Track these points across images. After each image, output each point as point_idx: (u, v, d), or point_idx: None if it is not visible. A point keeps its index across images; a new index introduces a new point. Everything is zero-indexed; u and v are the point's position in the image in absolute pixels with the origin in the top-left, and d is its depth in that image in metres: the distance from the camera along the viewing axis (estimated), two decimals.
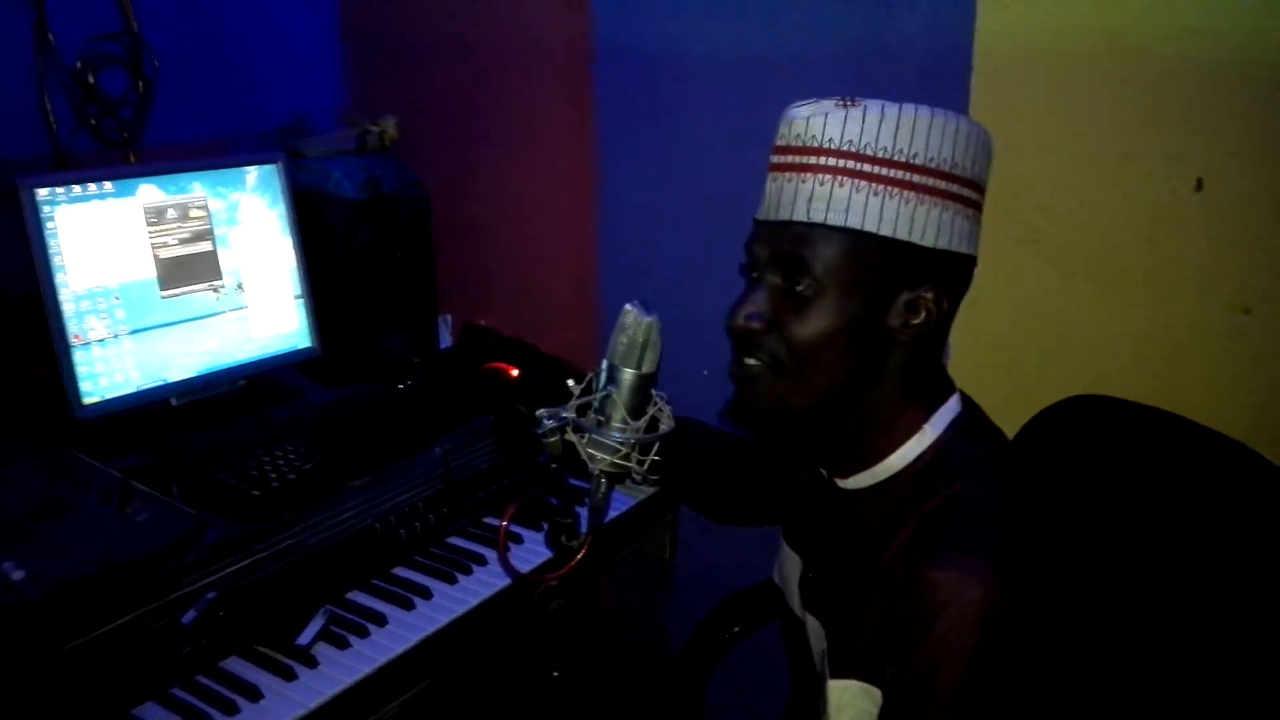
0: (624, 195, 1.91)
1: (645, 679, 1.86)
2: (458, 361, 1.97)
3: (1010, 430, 1.25)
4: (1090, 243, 1.41)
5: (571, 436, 1.01)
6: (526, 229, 2.07)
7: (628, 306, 0.99)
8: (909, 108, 0.91)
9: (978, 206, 0.96)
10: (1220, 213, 1.31)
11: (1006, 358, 1.50)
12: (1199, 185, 1.32)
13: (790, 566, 1.15)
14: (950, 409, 1.00)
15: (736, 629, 1.52)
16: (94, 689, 1.18)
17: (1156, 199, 1.35)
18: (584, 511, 1.04)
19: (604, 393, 1.00)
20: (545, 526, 1.07)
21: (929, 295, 0.93)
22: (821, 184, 0.92)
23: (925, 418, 0.98)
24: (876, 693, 0.94)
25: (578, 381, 1.02)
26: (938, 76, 1.47)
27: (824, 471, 1.06)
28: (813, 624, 1.07)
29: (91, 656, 1.18)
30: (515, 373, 1.73)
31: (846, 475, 1.03)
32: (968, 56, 1.45)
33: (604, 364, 1.00)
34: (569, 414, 1.00)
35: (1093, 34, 1.35)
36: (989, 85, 1.44)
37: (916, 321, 0.94)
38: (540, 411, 1.01)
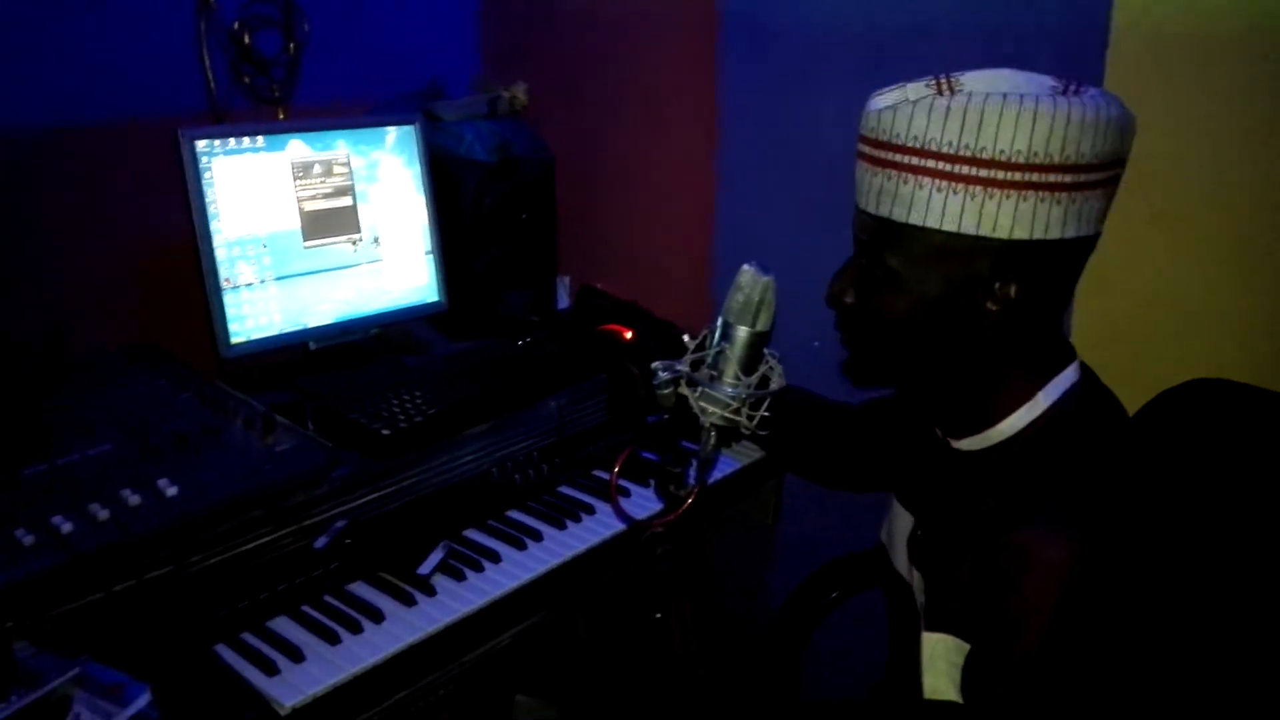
0: (743, 168, 1.93)
1: (745, 641, 1.90)
2: (574, 322, 2.03)
3: (1130, 411, 1.24)
4: (1221, 224, 1.38)
5: (685, 390, 1.05)
6: (646, 197, 2.11)
7: (745, 266, 1.03)
8: (979, 99, 0.88)
9: (1078, 187, 0.91)
10: None
11: (1131, 338, 1.48)
12: None
13: (900, 525, 1.17)
14: (1067, 378, 1.00)
15: (835, 594, 1.55)
16: (234, 600, 1.28)
17: None
18: (692, 466, 1.08)
19: (718, 348, 1.04)
20: (653, 482, 1.12)
21: (1010, 284, 0.93)
22: (890, 180, 0.93)
23: (1039, 385, 0.99)
24: (965, 647, 0.96)
25: (692, 337, 1.07)
26: (1073, 53, 1.45)
27: (938, 432, 1.08)
28: (917, 580, 1.09)
29: (233, 571, 1.28)
30: (629, 335, 1.77)
31: (960, 437, 1.04)
32: (1104, 33, 1.42)
33: (719, 321, 1.04)
34: (683, 367, 1.05)
35: (1231, 12, 1.31)
36: (1124, 62, 1.41)
37: (996, 309, 0.94)
38: (655, 364, 1.05)
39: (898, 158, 0.92)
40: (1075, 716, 0.90)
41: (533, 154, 2.00)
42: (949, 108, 0.89)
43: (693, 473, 1.09)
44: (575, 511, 1.55)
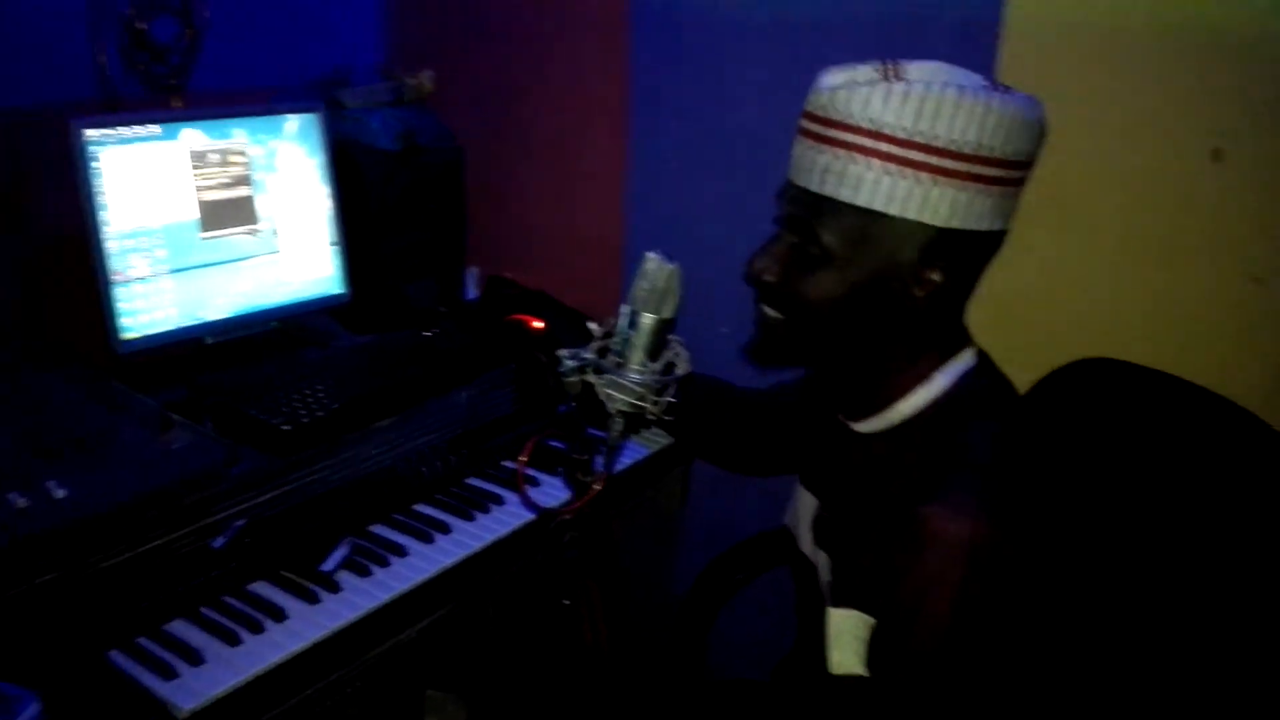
0: (653, 155, 1.94)
1: (653, 625, 1.91)
2: (483, 312, 2.01)
3: (1021, 389, 1.28)
4: (1108, 209, 1.44)
5: (591, 377, 1.05)
6: (555, 185, 2.10)
7: (650, 254, 1.03)
8: (936, 88, 0.90)
9: (1008, 182, 0.94)
10: (1237, 184, 1.33)
11: (1022, 318, 1.52)
12: (1217, 156, 1.34)
13: (804, 508, 1.18)
14: (964, 361, 1.03)
15: (740, 576, 1.57)
16: (129, 605, 1.23)
17: (1175, 168, 1.37)
18: (600, 453, 1.08)
19: (624, 336, 1.04)
20: (561, 470, 1.12)
21: (936, 271, 0.95)
22: (837, 158, 0.93)
23: (936, 367, 1.02)
24: (870, 621, 0.98)
25: (600, 325, 1.07)
26: (967, 41, 1.49)
27: (840, 416, 1.10)
28: (822, 560, 1.11)
29: (127, 575, 1.24)
30: (539, 324, 1.77)
31: (860, 420, 1.06)
32: (997, 23, 1.46)
33: (625, 309, 1.04)
34: (589, 355, 1.05)
35: (1119, 5, 1.36)
36: (1017, 51, 1.46)
37: (921, 294, 0.96)
38: (561, 351, 1.05)
39: (848, 137, 0.93)
40: (980, 687, 0.92)
41: (439, 142, 1.98)
42: (906, 93, 0.90)
43: (600, 460, 1.09)
44: (483, 503, 1.54)
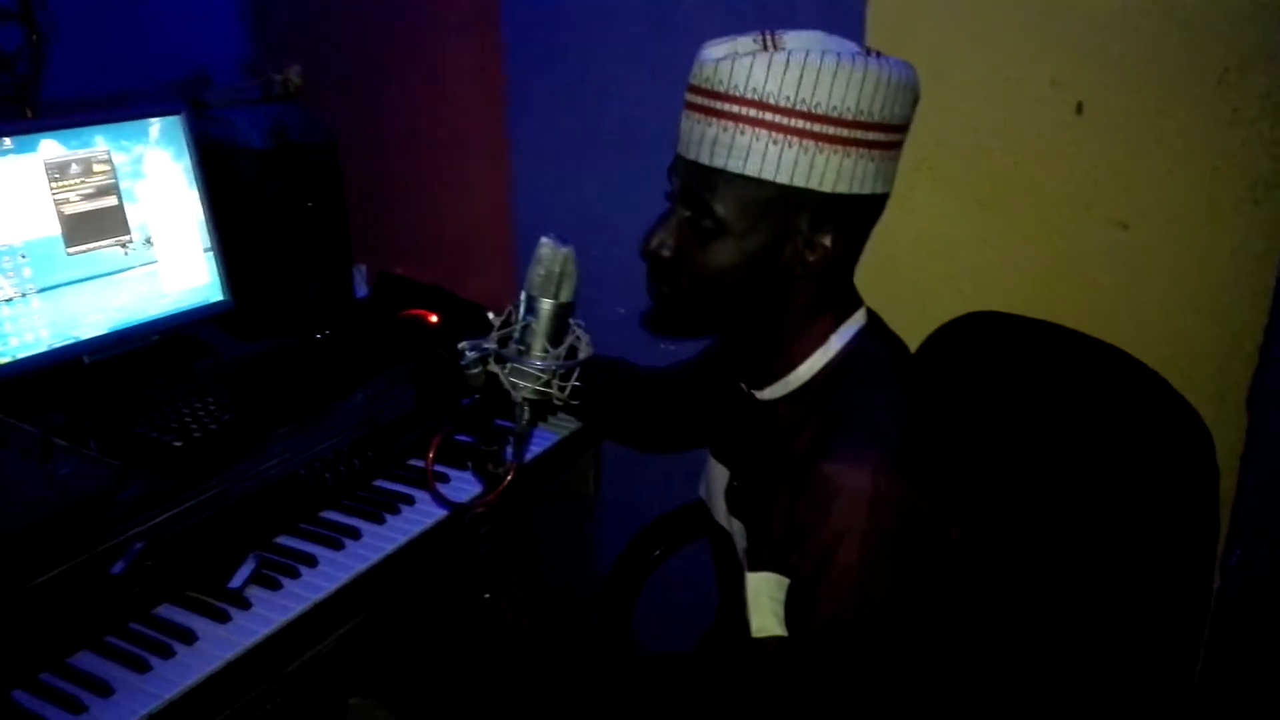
0: (536, 138, 1.92)
1: (575, 607, 1.92)
2: (375, 310, 1.98)
3: (911, 348, 1.32)
4: (979, 167, 1.49)
5: (494, 367, 1.04)
6: (438, 177, 2.07)
7: (543, 239, 1.03)
8: (815, 56, 0.92)
9: (888, 146, 0.98)
10: (1099, 135, 1.39)
11: (906, 279, 1.57)
12: (1079, 109, 1.40)
13: (717, 480, 1.20)
14: (856, 322, 1.06)
15: (659, 551, 1.59)
16: (28, 641, 1.18)
17: (1040, 123, 1.42)
18: (509, 443, 1.08)
19: (523, 323, 1.03)
20: (470, 464, 1.11)
21: (826, 236, 0.98)
22: (725, 130, 0.95)
23: (832, 329, 1.04)
24: (785, 581, 1.00)
25: (497, 315, 1.06)
26: (836, 5, 1.52)
27: (743, 385, 1.12)
28: (738, 528, 1.13)
29: (23, 609, 1.18)
30: (434, 319, 1.75)
31: (762, 387, 1.08)
32: None
33: (522, 295, 1.04)
34: (490, 345, 1.04)
35: None
36: (883, 15, 1.49)
37: (814, 259, 0.99)
38: (462, 344, 1.04)
39: (733, 109, 0.94)
40: (892, 632, 0.96)
41: (311, 138, 1.91)
42: (787, 62, 0.92)
43: (510, 450, 1.08)
44: (393, 504, 1.52)
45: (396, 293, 2.02)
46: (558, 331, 1.04)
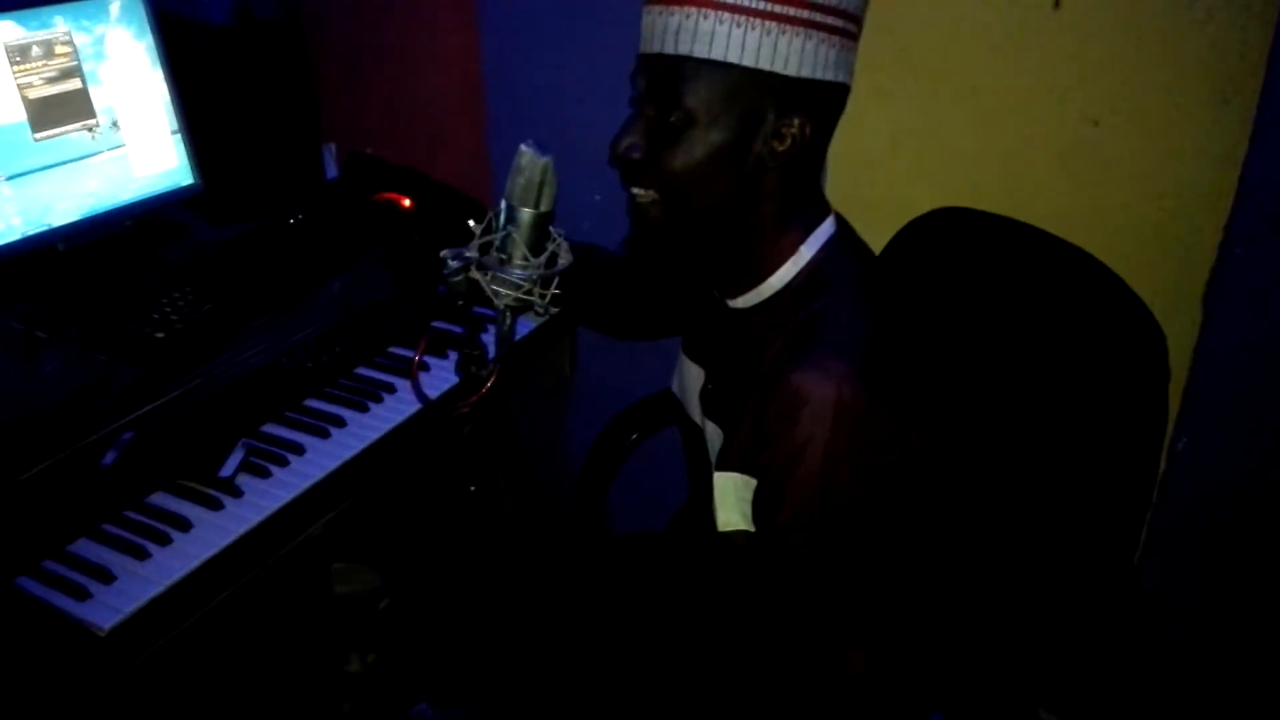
0: (507, 11, 1.88)
1: (550, 486, 1.99)
2: (347, 192, 1.96)
3: (881, 241, 1.35)
4: (957, 60, 1.49)
5: (475, 274, 1.06)
6: (408, 55, 2.02)
7: (523, 147, 1.03)
8: None
9: (848, 35, 0.99)
10: (1075, 31, 1.39)
11: (881, 172, 1.59)
12: (1056, 3, 1.39)
13: (690, 378, 1.24)
14: (825, 230, 1.08)
15: (634, 436, 1.64)
16: (27, 530, 1.22)
17: (1018, 18, 1.42)
18: (490, 339, 1.11)
19: (504, 232, 1.04)
20: (451, 355, 1.14)
21: (795, 123, 0.99)
22: (688, 17, 0.96)
23: (802, 239, 1.07)
24: (753, 482, 1.06)
25: (478, 220, 1.07)
26: None
27: (715, 293, 1.15)
28: (711, 430, 1.18)
29: (18, 500, 1.22)
30: (408, 203, 1.74)
31: (735, 296, 1.11)
32: None
33: (503, 204, 1.05)
34: (472, 254, 1.05)
35: None
36: None
37: (783, 148, 1.00)
38: (444, 252, 1.05)
39: None
40: (853, 528, 1.02)
41: (275, 14, 1.86)
42: None
43: (491, 350, 1.11)
44: (376, 392, 1.55)
45: (368, 174, 2.00)
46: (538, 240, 1.05)
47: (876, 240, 1.29)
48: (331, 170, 2.04)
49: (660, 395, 1.62)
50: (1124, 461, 1.19)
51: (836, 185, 1.09)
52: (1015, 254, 1.32)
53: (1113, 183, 1.44)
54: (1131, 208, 1.44)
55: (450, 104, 2.02)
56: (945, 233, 1.38)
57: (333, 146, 2.04)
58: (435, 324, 1.74)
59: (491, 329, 1.11)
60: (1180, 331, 1.42)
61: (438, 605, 1.76)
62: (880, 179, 1.58)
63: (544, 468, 2.06)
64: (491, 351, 1.12)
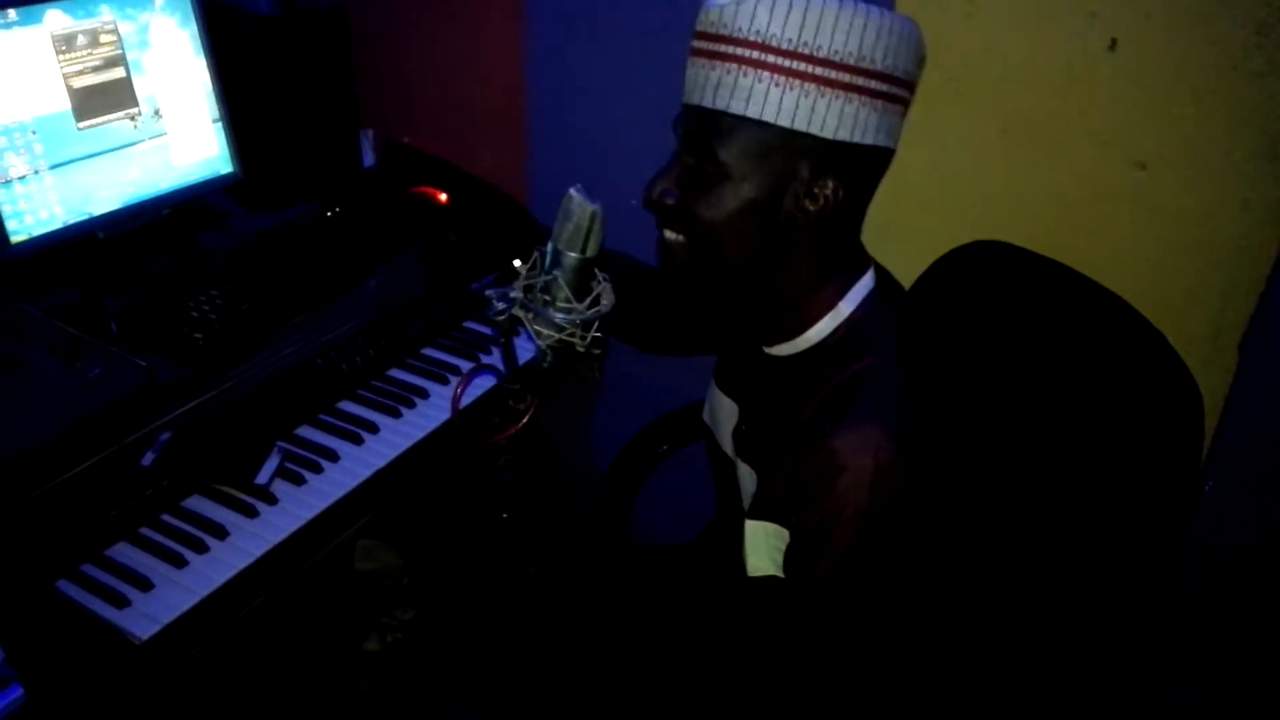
0: (553, 12, 1.86)
1: (576, 496, 2.01)
2: (384, 182, 1.96)
3: (917, 270, 1.35)
4: (1006, 95, 1.47)
5: (519, 313, 1.07)
6: (450, 48, 2.01)
7: (571, 192, 1.03)
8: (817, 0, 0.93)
9: (893, 99, 0.98)
10: (1129, 72, 1.37)
11: (921, 200, 1.58)
12: (1113, 45, 1.37)
13: (723, 412, 1.25)
14: (865, 285, 1.08)
15: (664, 448, 1.65)
16: (66, 533, 1.25)
17: (1071, 56, 1.40)
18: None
19: (549, 276, 1.05)
20: (482, 357, 1.13)
21: (829, 185, 0.98)
22: (729, 73, 0.96)
23: (840, 294, 1.07)
24: (785, 534, 1.07)
25: (524, 263, 1.08)
26: None
27: (751, 337, 1.15)
28: (744, 469, 1.19)
29: (57, 504, 1.24)
30: (444, 198, 1.74)
31: (771, 344, 1.12)
32: None
33: (549, 246, 1.05)
34: (516, 294, 1.06)
35: None
36: None
37: (815, 208, 1.00)
38: (489, 292, 1.06)
39: (737, 51, 0.95)
40: (884, 590, 1.03)
41: (320, 2, 1.85)
42: (790, 4, 0.93)
43: (530, 388, 1.12)
44: (408, 397, 1.57)
45: (405, 164, 2.00)
46: (582, 284, 1.06)
47: (912, 268, 1.29)
48: (369, 157, 2.04)
49: (690, 409, 1.63)
50: (1152, 517, 1.20)
51: (876, 210, 1.08)
52: (1052, 296, 1.31)
53: (1156, 226, 1.43)
54: (1173, 251, 1.43)
55: (491, 94, 2.01)
56: (982, 266, 1.37)
57: (370, 133, 2.04)
58: (466, 324, 1.75)
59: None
60: (1214, 378, 1.42)
61: (465, 614, 1.79)
62: (921, 207, 1.57)
63: (570, 477, 2.08)
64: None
